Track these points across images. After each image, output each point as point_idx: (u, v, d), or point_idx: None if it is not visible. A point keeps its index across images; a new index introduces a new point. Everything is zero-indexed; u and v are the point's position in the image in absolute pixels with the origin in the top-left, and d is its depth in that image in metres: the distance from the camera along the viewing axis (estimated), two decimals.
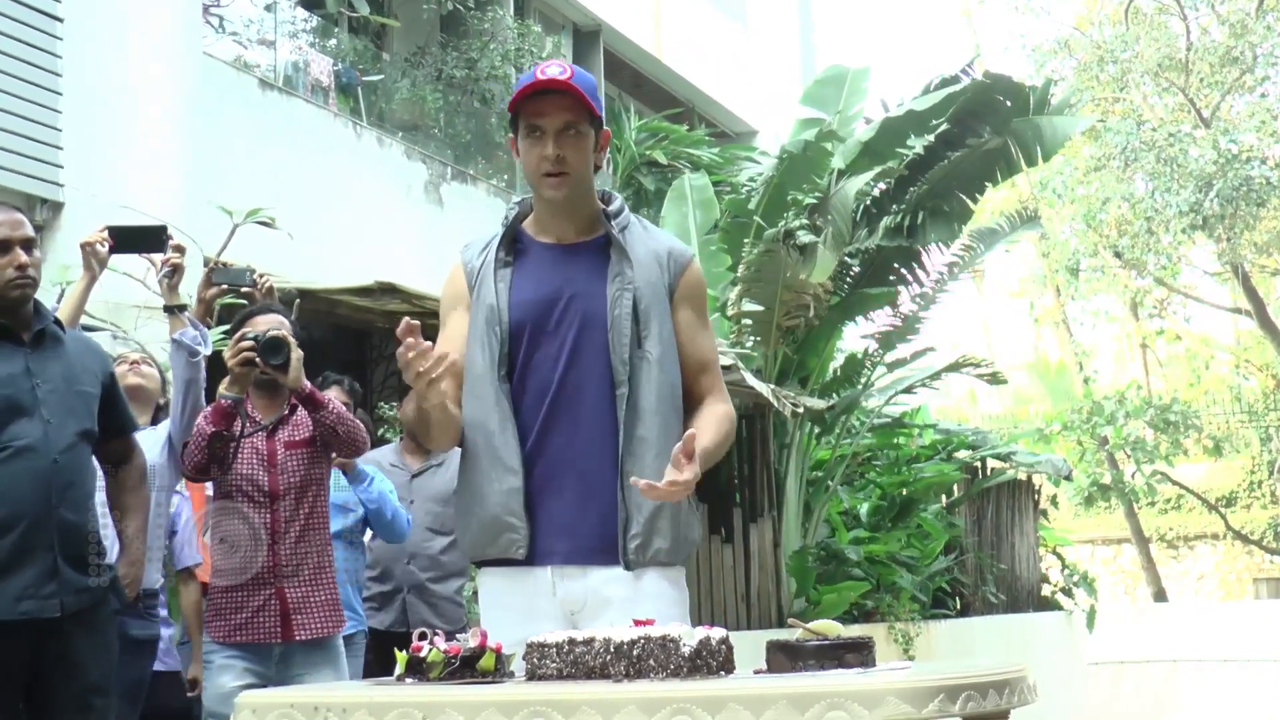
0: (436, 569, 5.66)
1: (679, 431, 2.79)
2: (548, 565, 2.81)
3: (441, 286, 3.01)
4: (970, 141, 10.06)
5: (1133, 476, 21.12)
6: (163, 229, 4.52)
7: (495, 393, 2.83)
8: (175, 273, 4.48)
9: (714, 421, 2.87)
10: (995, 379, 11.17)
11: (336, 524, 4.84)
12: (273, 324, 4.20)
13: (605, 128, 2.94)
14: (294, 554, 4.18)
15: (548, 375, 2.84)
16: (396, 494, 5.32)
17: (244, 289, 4.81)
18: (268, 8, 10.95)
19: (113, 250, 4.39)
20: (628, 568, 2.79)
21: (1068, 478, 13.04)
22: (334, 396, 5.24)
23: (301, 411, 4.28)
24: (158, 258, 4.54)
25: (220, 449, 4.09)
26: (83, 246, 4.36)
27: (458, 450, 5.61)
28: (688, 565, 2.94)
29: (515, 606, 2.81)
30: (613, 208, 2.94)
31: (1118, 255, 21.95)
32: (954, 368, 10.95)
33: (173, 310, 4.45)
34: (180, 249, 4.52)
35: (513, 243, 2.94)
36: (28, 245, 3.51)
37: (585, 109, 2.84)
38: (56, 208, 8.56)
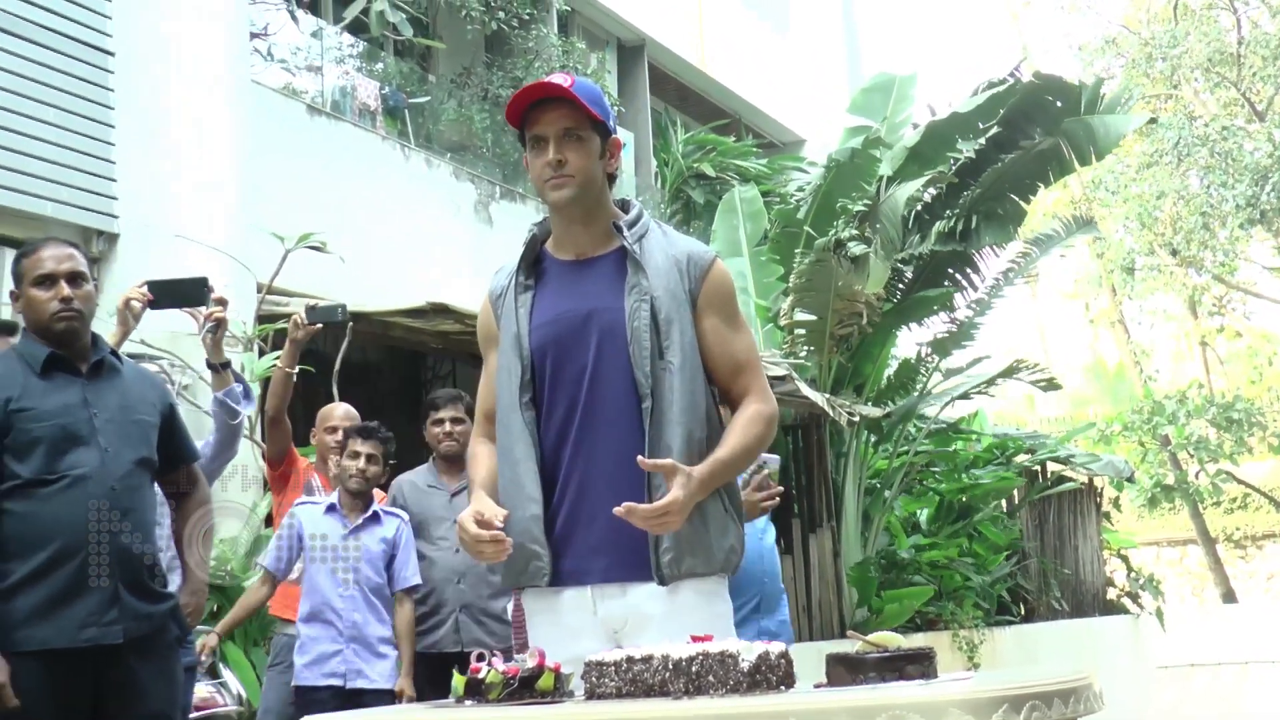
0: (487, 587, 5.57)
1: (704, 438, 2.80)
2: (586, 585, 2.80)
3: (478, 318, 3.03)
4: (1021, 143, 10.01)
5: (1196, 476, 20.85)
6: (204, 282, 4.42)
7: (519, 421, 2.83)
8: (219, 327, 4.40)
9: (737, 428, 2.83)
10: (1051, 384, 11.08)
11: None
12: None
13: (614, 135, 2.89)
14: None
15: (573, 395, 2.82)
16: (437, 513, 5.34)
17: (336, 324, 5.03)
18: (314, 34, 11.01)
19: (152, 305, 4.27)
20: (662, 582, 2.76)
21: (1130, 479, 12.90)
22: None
23: None
24: (200, 311, 4.45)
25: None
26: (122, 302, 4.27)
27: None
28: None
29: (560, 625, 2.81)
30: (629, 216, 2.90)
31: (1174, 253, 21.69)
32: (1009, 373, 10.86)
33: (216, 368, 4.39)
34: (223, 302, 4.47)
35: (534, 264, 2.92)
36: (74, 278, 3.52)
37: (586, 115, 2.82)
38: (112, 239, 8.61)
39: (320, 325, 5.09)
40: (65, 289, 3.49)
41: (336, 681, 4.97)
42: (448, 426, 5.52)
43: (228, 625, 5.11)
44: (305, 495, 5.36)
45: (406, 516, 5.20)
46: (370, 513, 5.08)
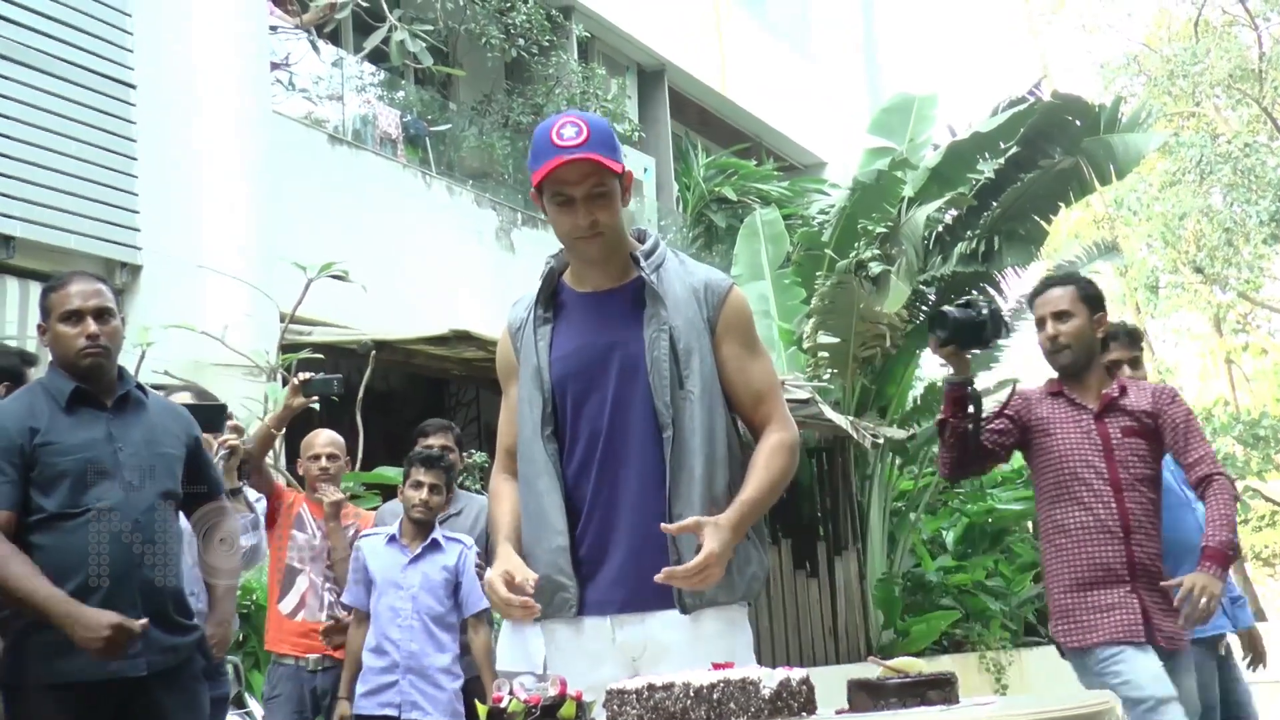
0: None
1: (726, 467, 2.82)
2: (606, 616, 2.82)
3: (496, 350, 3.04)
4: (1041, 163, 9.97)
5: None
6: (223, 409, 4.50)
7: (542, 453, 2.85)
8: (233, 454, 4.45)
9: (760, 463, 2.83)
10: None
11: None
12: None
13: (627, 170, 2.88)
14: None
15: (594, 427, 2.84)
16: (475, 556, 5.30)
17: (334, 396, 5.06)
18: (335, 63, 11.04)
19: None
20: (684, 611, 2.77)
21: None
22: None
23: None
24: (215, 438, 4.47)
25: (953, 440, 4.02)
26: None
27: (475, 497, 5.59)
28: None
29: (581, 652, 2.82)
30: (646, 247, 2.91)
31: (1198, 270, 21.58)
32: None
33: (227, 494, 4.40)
34: (238, 429, 4.53)
35: (551, 297, 2.92)
36: (100, 314, 3.53)
37: (608, 169, 2.81)
38: (135, 270, 8.62)
39: (316, 398, 5.18)
40: (92, 326, 3.50)
41: (391, 711, 4.93)
42: (437, 453, 5.43)
43: (347, 684, 5.04)
44: (296, 528, 5.39)
45: (470, 541, 5.16)
46: (430, 540, 5.05)
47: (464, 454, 5.93)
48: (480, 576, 5.07)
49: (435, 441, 5.50)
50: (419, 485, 5.04)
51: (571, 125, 2.79)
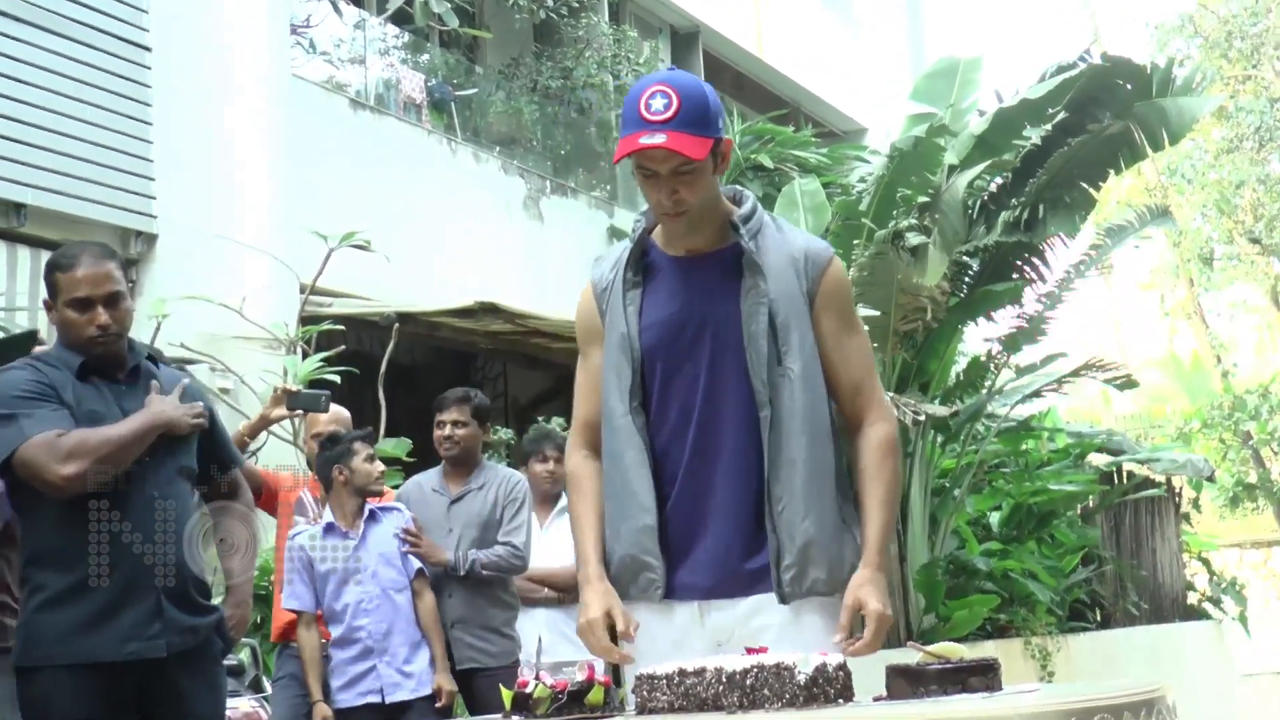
0: (483, 599, 5.47)
1: (829, 449, 2.73)
2: (693, 600, 2.74)
3: (576, 308, 2.92)
4: (1090, 128, 9.65)
5: None
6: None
7: (629, 425, 2.76)
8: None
9: (872, 473, 2.75)
10: (1127, 383, 10.71)
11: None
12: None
13: (726, 137, 2.76)
14: None
15: (686, 403, 2.75)
16: (433, 519, 5.31)
17: (319, 412, 5.12)
18: (357, 25, 10.90)
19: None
20: (783, 600, 2.69)
21: (1210, 479, 12.46)
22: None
23: None
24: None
25: None
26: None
27: (498, 471, 5.57)
28: None
29: (664, 637, 2.73)
30: (744, 210, 2.79)
31: (1255, 241, 21.07)
32: (1081, 371, 10.48)
33: None
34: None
35: (641, 257, 2.82)
36: (111, 300, 3.42)
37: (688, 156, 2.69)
38: (150, 239, 8.58)
39: (300, 412, 5.19)
40: (103, 316, 3.40)
41: (374, 699, 4.91)
42: (448, 430, 5.45)
43: (316, 687, 4.97)
44: (297, 513, 5.29)
45: (405, 508, 5.16)
46: (367, 515, 5.01)
47: (487, 426, 5.74)
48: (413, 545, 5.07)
49: (448, 417, 5.44)
50: (371, 459, 5.01)
51: (661, 95, 2.67)
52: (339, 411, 5.57)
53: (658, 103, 2.66)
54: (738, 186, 2.89)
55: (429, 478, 5.64)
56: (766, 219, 2.81)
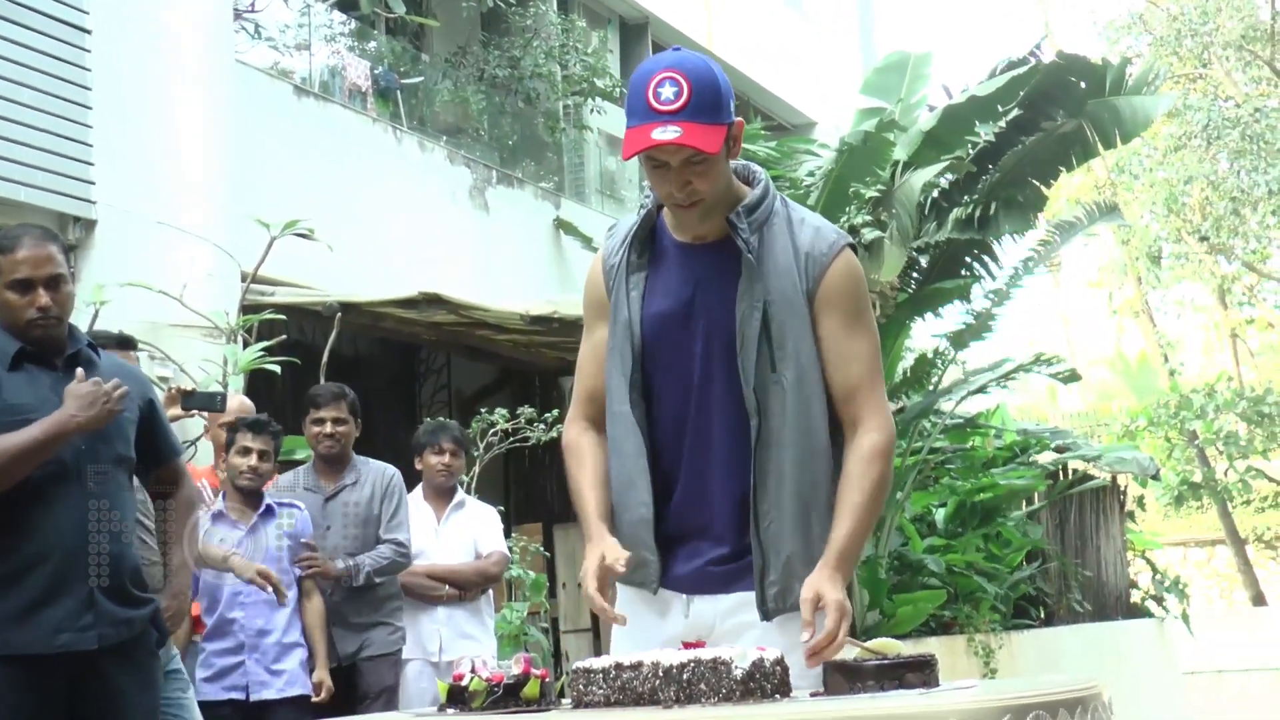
0: (355, 596, 5.43)
1: (820, 462, 2.64)
2: (682, 592, 2.70)
3: (586, 277, 2.82)
4: (1044, 125, 9.67)
5: (1225, 474, 20.37)
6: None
7: (629, 416, 2.69)
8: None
9: (853, 479, 2.61)
10: (1071, 377, 10.74)
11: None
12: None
13: (736, 119, 2.59)
14: None
15: (680, 400, 2.67)
16: (311, 521, 5.22)
17: (216, 412, 5.05)
18: (302, 11, 10.76)
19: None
20: (766, 617, 2.62)
21: (1155, 477, 12.53)
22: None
23: None
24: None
25: None
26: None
27: (373, 466, 5.48)
28: None
29: (647, 627, 2.69)
30: (750, 199, 2.63)
31: (1203, 240, 21.19)
32: (1027, 367, 10.50)
33: None
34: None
35: (647, 238, 2.70)
36: (53, 282, 3.40)
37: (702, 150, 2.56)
38: (89, 225, 8.45)
39: (196, 412, 5.17)
40: (43, 298, 3.39)
41: (238, 695, 4.83)
42: (328, 428, 5.39)
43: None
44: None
45: (303, 505, 5.08)
46: (264, 508, 4.91)
47: (359, 422, 5.69)
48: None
49: (327, 414, 5.39)
50: (246, 451, 4.89)
51: (671, 83, 2.51)
52: (243, 402, 5.54)
53: (667, 90, 2.50)
54: (750, 164, 2.71)
55: (300, 475, 5.55)
56: (778, 205, 2.66)
